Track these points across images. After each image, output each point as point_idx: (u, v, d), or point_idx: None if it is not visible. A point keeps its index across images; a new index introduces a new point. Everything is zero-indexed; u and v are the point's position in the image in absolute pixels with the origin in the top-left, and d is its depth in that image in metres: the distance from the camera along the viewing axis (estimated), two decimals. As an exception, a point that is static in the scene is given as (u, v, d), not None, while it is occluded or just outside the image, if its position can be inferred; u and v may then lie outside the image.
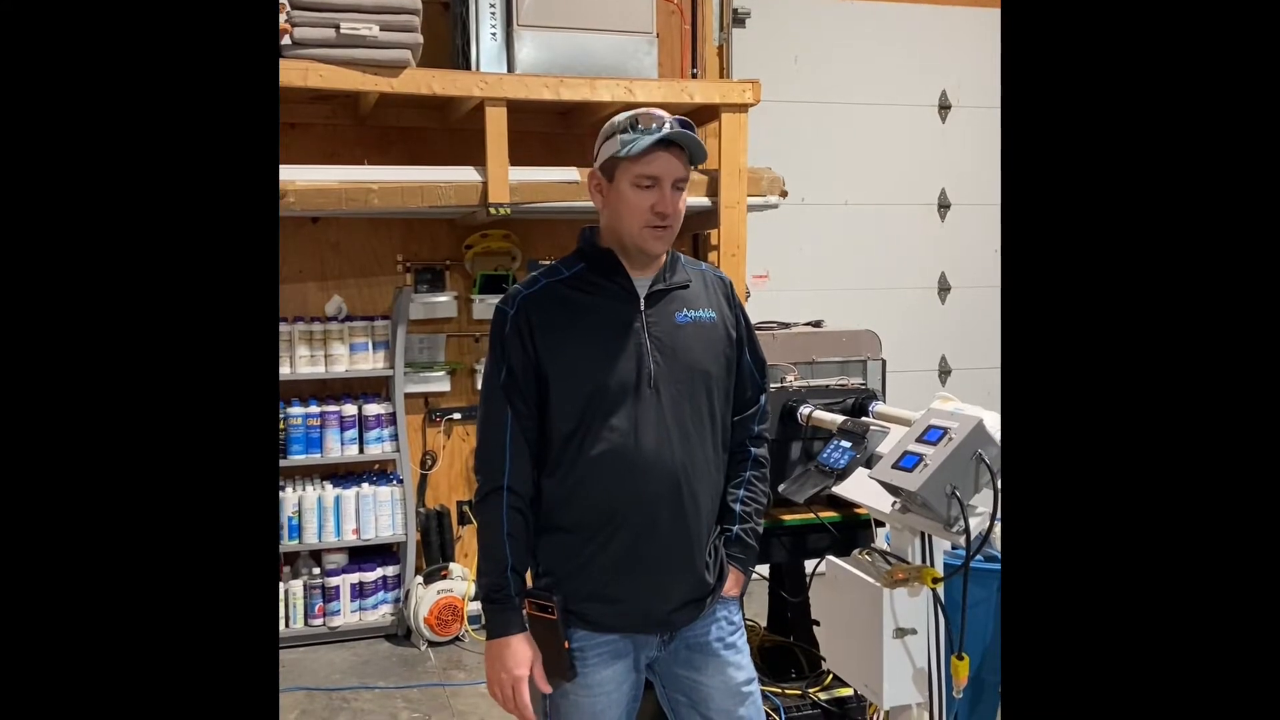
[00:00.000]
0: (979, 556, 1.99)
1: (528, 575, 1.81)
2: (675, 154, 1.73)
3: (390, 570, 4.26)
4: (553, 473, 1.78)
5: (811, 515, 2.82)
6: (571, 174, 3.96)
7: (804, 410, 2.88)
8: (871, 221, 5.12)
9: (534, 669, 1.76)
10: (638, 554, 1.74)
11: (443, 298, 4.39)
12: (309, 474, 4.25)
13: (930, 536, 2.13)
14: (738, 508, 1.88)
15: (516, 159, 3.91)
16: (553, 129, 4.46)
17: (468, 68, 3.97)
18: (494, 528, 1.76)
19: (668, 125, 1.71)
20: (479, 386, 2.03)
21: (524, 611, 1.78)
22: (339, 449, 4.16)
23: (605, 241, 1.81)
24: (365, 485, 4.19)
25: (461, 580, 4.15)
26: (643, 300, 1.78)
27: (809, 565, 3.06)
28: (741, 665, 1.87)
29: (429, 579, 4.13)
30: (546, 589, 1.78)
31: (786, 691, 3.02)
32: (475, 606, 4.09)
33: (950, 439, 1.95)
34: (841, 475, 2.55)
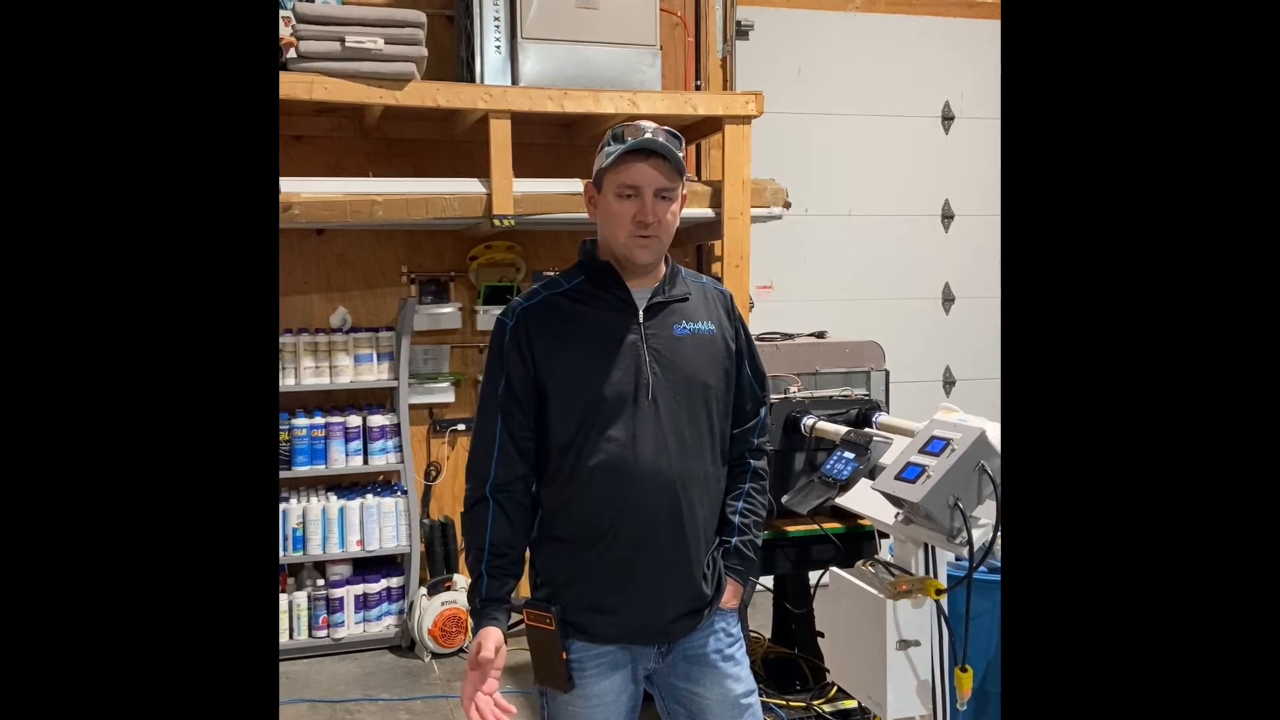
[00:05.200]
0: (982, 568, 1.99)
1: (523, 582, 1.81)
2: (655, 163, 1.73)
3: (394, 581, 4.26)
4: (550, 483, 1.79)
5: (815, 526, 2.82)
6: (575, 186, 3.97)
7: (807, 421, 2.89)
8: (875, 232, 5.13)
9: (485, 669, 1.68)
10: (635, 565, 1.74)
11: (447, 309, 4.41)
12: (313, 485, 4.26)
13: (933, 548, 2.13)
14: (736, 519, 1.88)
15: (520, 171, 3.92)
16: (557, 141, 4.48)
17: (472, 80, 3.99)
18: (475, 538, 1.77)
19: (648, 135, 1.72)
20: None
21: (522, 622, 1.78)
22: (343, 460, 4.16)
23: (603, 254, 1.82)
24: (369, 496, 4.19)
25: (465, 591, 4.14)
26: (641, 312, 1.79)
27: (813, 576, 3.06)
28: (740, 677, 1.86)
29: (433, 590, 4.13)
30: (544, 599, 1.78)
31: (791, 703, 3.02)
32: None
33: (953, 450, 1.95)
34: (845, 486, 2.56)
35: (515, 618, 1.83)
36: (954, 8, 5.15)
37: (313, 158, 4.23)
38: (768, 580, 3.44)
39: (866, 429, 2.80)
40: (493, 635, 1.71)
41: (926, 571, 2.14)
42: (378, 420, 4.20)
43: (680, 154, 1.75)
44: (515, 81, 3.96)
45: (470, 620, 1.79)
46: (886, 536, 2.35)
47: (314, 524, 4.09)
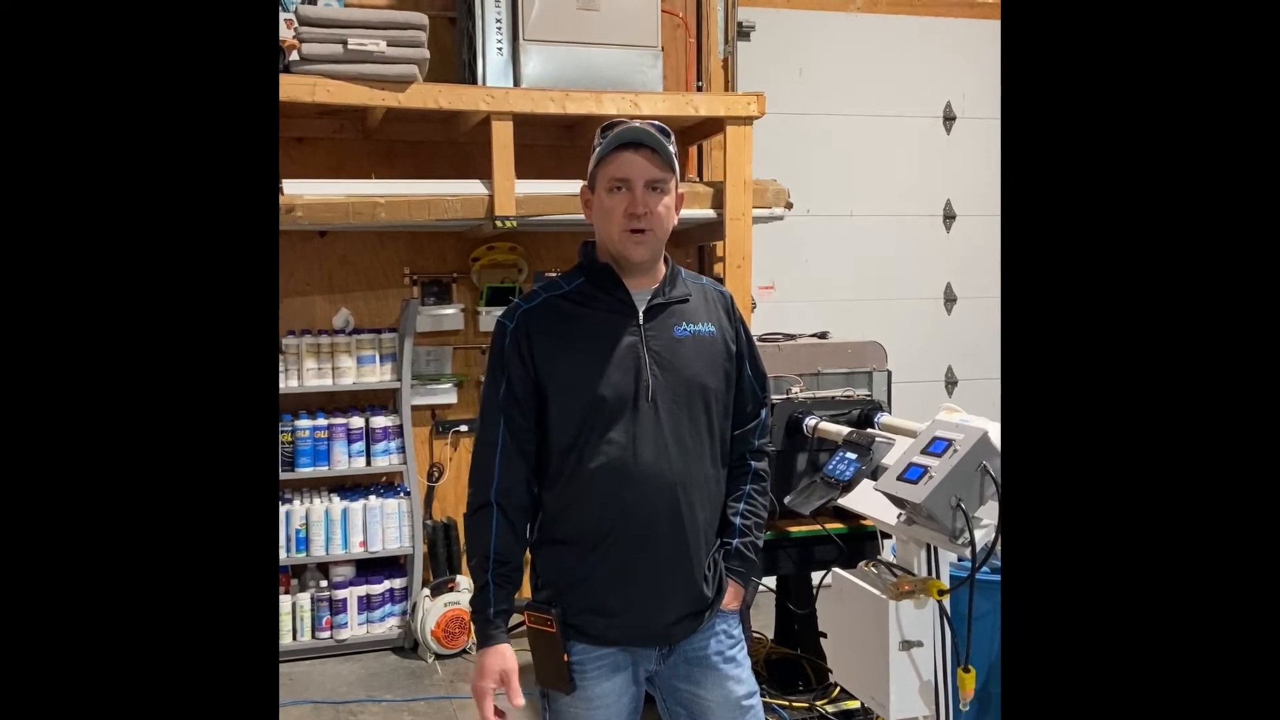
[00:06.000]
0: (985, 568, 1.99)
1: (525, 585, 1.81)
2: (644, 155, 1.73)
3: (397, 583, 4.26)
4: (551, 485, 1.79)
5: (818, 527, 2.82)
6: (577, 187, 3.95)
7: (809, 422, 2.89)
8: (877, 233, 5.13)
9: (507, 679, 1.73)
10: (635, 567, 1.74)
11: (449, 310, 4.41)
12: (316, 486, 4.26)
13: (936, 548, 2.13)
14: (737, 521, 1.88)
15: (522, 172, 3.93)
16: (558, 142, 4.48)
17: (474, 82, 3.99)
18: (478, 544, 1.77)
19: (635, 126, 1.73)
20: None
21: (524, 624, 1.78)
22: (346, 461, 4.17)
23: (602, 256, 1.82)
24: (372, 498, 4.20)
25: (468, 593, 4.15)
26: (641, 314, 1.78)
27: (816, 577, 3.06)
28: (741, 679, 1.86)
29: (436, 591, 4.14)
30: (546, 601, 1.78)
31: (793, 704, 3.02)
32: (482, 619, 4.09)
33: (955, 451, 1.95)
34: (847, 487, 2.56)
35: (516, 619, 1.84)
36: (955, 8, 5.15)
37: (315, 159, 4.23)
38: (770, 581, 3.44)
39: (869, 429, 2.80)
40: (500, 658, 1.73)
41: (929, 572, 2.14)
42: (380, 421, 4.21)
43: (670, 148, 1.75)
44: (517, 83, 3.97)
45: (474, 626, 1.79)
46: (889, 537, 2.35)
47: (317, 525, 4.10)
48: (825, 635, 2.46)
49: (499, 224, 3.90)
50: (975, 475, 1.92)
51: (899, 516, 2.11)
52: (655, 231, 1.76)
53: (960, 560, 2.18)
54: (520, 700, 1.75)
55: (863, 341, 3.18)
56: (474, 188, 3.93)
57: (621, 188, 1.74)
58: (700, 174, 4.73)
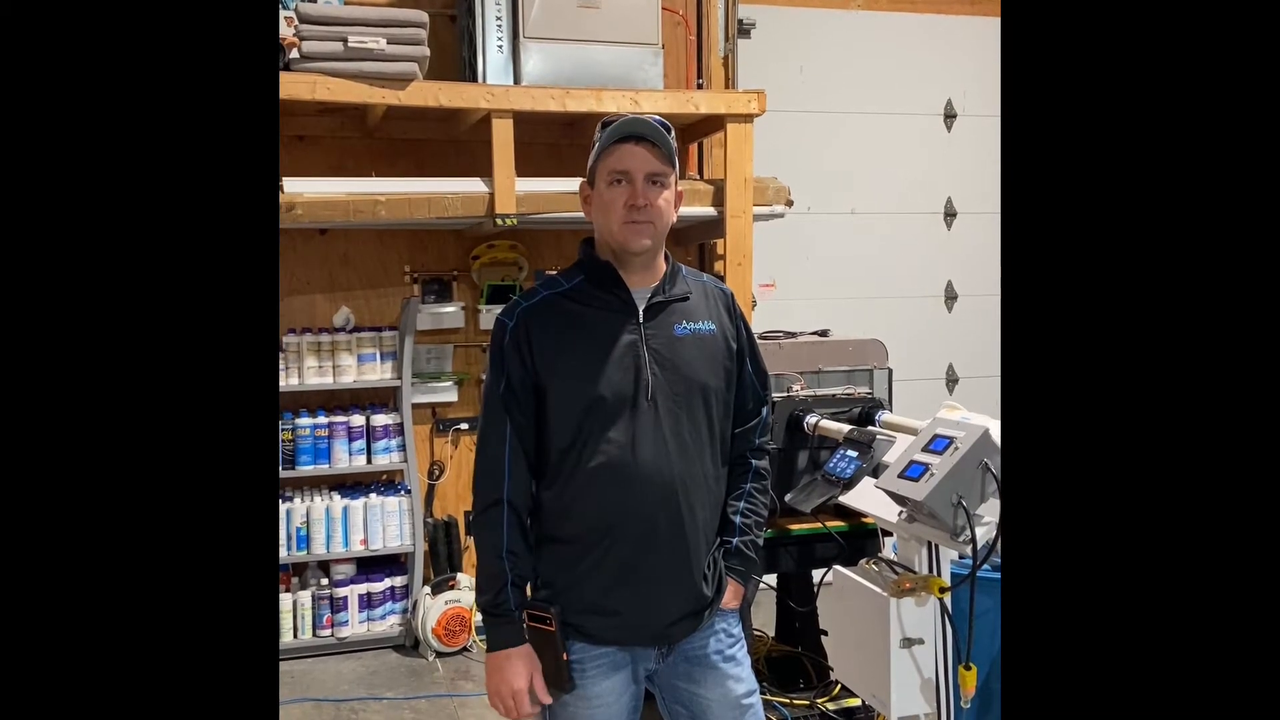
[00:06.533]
0: (986, 566, 1.99)
1: (528, 586, 1.81)
2: (645, 148, 1.73)
3: (398, 581, 4.27)
4: (550, 485, 1.78)
5: (819, 525, 2.82)
6: (577, 184, 3.97)
7: (810, 419, 2.88)
8: (878, 230, 5.13)
9: (534, 680, 1.76)
10: (635, 567, 1.73)
11: (450, 308, 4.41)
12: (317, 484, 4.26)
13: (937, 546, 2.13)
14: (737, 520, 1.87)
15: (523, 170, 3.93)
16: (559, 140, 4.48)
17: (474, 80, 3.99)
18: (493, 542, 1.75)
19: (635, 118, 1.73)
20: (485, 397, 2.07)
21: (523, 623, 1.77)
22: (347, 459, 4.17)
23: (602, 253, 1.82)
24: (373, 496, 4.20)
25: (469, 590, 4.15)
26: (641, 312, 1.78)
27: (817, 575, 3.06)
28: (741, 678, 1.86)
29: (436, 589, 4.14)
30: (545, 600, 1.77)
31: (794, 701, 3.02)
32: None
33: (956, 448, 1.95)
34: (848, 485, 2.55)
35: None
36: (956, 5, 5.15)
37: (316, 158, 4.23)
38: (771, 578, 3.44)
39: (870, 427, 2.79)
40: (529, 658, 1.74)
41: (930, 570, 2.14)
42: (381, 420, 4.21)
43: (671, 142, 1.75)
44: (517, 81, 3.96)
45: (491, 627, 1.78)
46: (890, 535, 2.35)
47: (318, 523, 4.10)
48: (826, 633, 2.46)
49: (499, 222, 3.90)
50: (976, 473, 1.92)
51: (900, 514, 2.11)
52: (655, 224, 1.76)
53: (961, 558, 2.18)
54: (549, 698, 1.76)
55: (864, 339, 3.18)
56: (474, 185, 3.93)
57: (621, 180, 1.73)
58: (701, 172, 4.73)
